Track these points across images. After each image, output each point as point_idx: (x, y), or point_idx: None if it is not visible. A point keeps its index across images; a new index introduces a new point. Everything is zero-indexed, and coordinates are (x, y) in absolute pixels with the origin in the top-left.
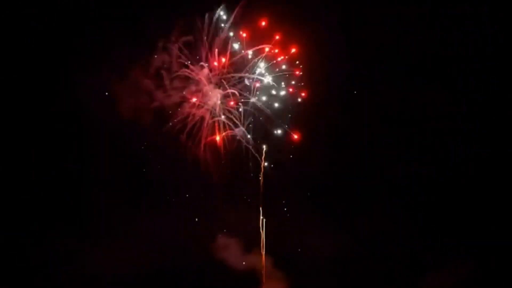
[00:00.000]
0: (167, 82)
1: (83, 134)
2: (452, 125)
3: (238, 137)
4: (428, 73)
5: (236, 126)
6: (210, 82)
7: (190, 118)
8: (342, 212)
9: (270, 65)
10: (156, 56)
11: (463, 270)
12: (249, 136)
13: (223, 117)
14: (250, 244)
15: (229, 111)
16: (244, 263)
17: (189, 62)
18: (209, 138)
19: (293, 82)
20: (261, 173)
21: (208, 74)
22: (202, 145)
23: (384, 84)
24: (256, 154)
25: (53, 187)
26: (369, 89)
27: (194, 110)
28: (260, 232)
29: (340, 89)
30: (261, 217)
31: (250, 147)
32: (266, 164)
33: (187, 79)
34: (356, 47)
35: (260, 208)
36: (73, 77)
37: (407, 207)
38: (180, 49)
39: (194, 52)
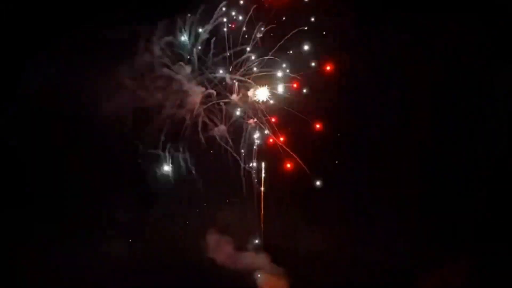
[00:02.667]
0: (149, 82)
1: (65, 133)
2: (456, 124)
3: (218, 138)
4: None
5: (218, 127)
6: (191, 81)
7: (171, 118)
8: (340, 211)
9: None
10: (138, 56)
11: (462, 270)
12: (228, 136)
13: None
14: (246, 242)
15: (211, 111)
16: (241, 261)
17: (171, 61)
18: (189, 139)
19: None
20: (242, 174)
21: (190, 73)
22: (182, 145)
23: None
24: (236, 155)
25: (34, 185)
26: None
27: (175, 110)
28: (255, 231)
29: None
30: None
31: (229, 147)
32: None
33: (170, 79)
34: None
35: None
36: (56, 76)
37: (407, 206)
38: (162, 49)
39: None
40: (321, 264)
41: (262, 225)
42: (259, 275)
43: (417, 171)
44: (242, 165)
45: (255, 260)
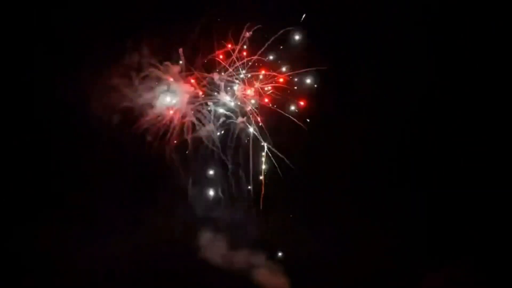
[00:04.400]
0: (137, 81)
1: (56, 132)
2: (452, 124)
3: (204, 139)
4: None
5: (205, 127)
6: (179, 81)
7: (159, 119)
8: (340, 211)
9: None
10: (127, 56)
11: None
12: (215, 137)
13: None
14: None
15: (199, 111)
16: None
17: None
18: (177, 140)
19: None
20: (230, 174)
21: (178, 74)
22: (169, 147)
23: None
24: (224, 156)
25: (26, 183)
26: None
27: (163, 110)
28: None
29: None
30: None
31: (215, 149)
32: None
33: (159, 79)
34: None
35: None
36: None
37: (406, 205)
38: (151, 49)
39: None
40: (320, 263)
41: (254, 223)
42: (257, 273)
43: (417, 171)
44: (229, 165)
45: (252, 259)
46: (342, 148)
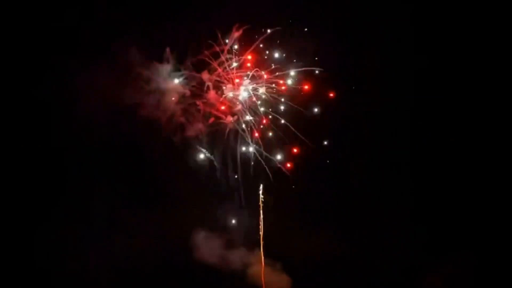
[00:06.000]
0: (128, 81)
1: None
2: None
3: (192, 139)
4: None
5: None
6: (167, 80)
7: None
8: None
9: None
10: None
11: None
12: (203, 138)
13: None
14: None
15: (187, 111)
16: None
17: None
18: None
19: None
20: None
21: (166, 73)
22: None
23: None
24: (212, 157)
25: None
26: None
27: (153, 110)
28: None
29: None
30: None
31: (204, 150)
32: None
33: (147, 79)
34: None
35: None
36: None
37: (406, 205)
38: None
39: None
40: (319, 263)
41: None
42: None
43: (417, 170)
44: (217, 165)
45: (250, 258)
46: (340, 146)
